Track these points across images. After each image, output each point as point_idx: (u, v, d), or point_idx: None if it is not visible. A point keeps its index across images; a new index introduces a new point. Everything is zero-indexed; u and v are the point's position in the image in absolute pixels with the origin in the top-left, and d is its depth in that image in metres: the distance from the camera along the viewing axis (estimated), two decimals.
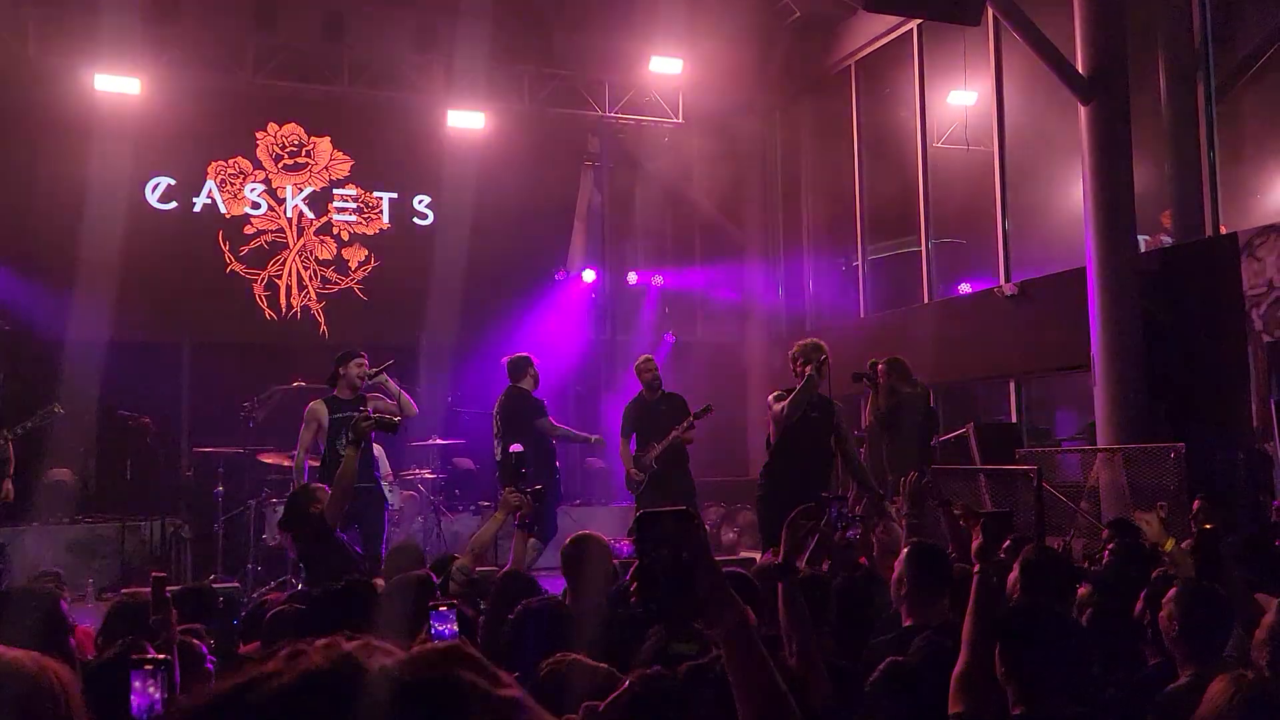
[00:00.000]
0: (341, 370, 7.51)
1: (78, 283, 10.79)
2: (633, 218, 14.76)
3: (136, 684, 2.30)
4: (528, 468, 7.04)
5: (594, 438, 9.46)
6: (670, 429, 8.74)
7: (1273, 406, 7.95)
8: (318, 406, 7.51)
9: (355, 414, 7.15)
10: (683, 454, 8.96)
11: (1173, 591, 3.45)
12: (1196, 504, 6.81)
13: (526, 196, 13.27)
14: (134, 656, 2.44)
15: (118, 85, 11.03)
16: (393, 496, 9.21)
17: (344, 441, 7.09)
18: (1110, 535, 6.17)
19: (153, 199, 11.99)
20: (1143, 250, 9.27)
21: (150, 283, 11.45)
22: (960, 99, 12.10)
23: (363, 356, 7.60)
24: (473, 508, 11.04)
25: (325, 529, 6.15)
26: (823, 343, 7.58)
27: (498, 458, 8.50)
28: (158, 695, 2.30)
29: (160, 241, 11.73)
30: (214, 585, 7.30)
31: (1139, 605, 4.12)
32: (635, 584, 1.69)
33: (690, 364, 13.68)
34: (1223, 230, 8.93)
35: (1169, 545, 5.25)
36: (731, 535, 12.13)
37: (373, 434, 7.29)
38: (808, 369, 7.35)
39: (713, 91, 13.35)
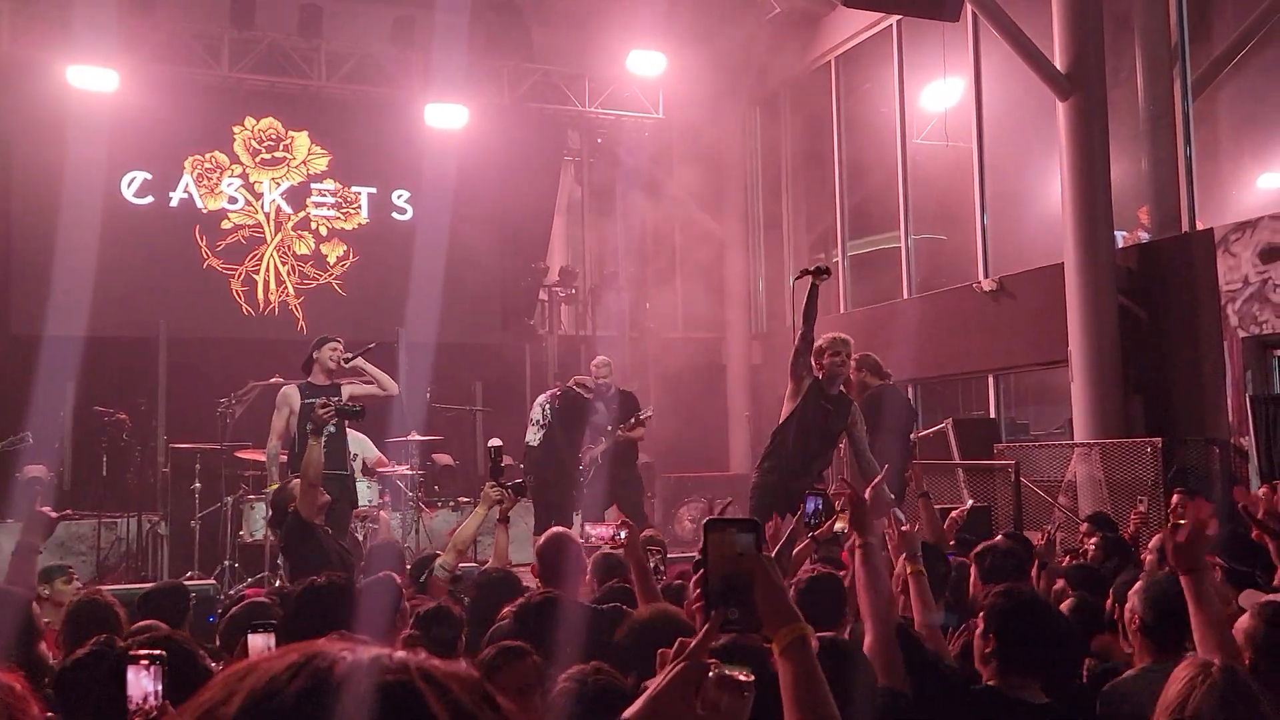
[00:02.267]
0: (315, 355, 7.53)
1: (53, 278, 10.69)
2: (612, 213, 14.74)
3: (131, 677, 2.31)
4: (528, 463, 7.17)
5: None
6: (617, 428, 9.14)
7: (1248, 401, 8.00)
8: (289, 391, 7.52)
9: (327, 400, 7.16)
10: (630, 451, 9.30)
11: (1137, 585, 3.47)
12: (1175, 498, 6.83)
13: (506, 191, 13.24)
14: (131, 652, 2.46)
15: (93, 79, 10.90)
16: (370, 493, 9.16)
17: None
18: (1090, 530, 6.22)
19: (129, 194, 11.89)
20: (1120, 246, 9.32)
21: (126, 278, 11.36)
22: (939, 95, 12.13)
23: (337, 341, 7.60)
24: (452, 503, 10.98)
25: (302, 524, 6.13)
26: (849, 339, 7.44)
27: (532, 444, 9.05)
28: (152, 688, 2.30)
29: (136, 236, 11.65)
30: (190, 582, 7.27)
31: (1109, 600, 4.15)
32: (698, 592, 1.68)
33: (669, 359, 13.69)
34: (1199, 226, 8.99)
35: None
36: None
37: (348, 423, 7.32)
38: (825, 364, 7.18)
39: (693, 86, 13.33)
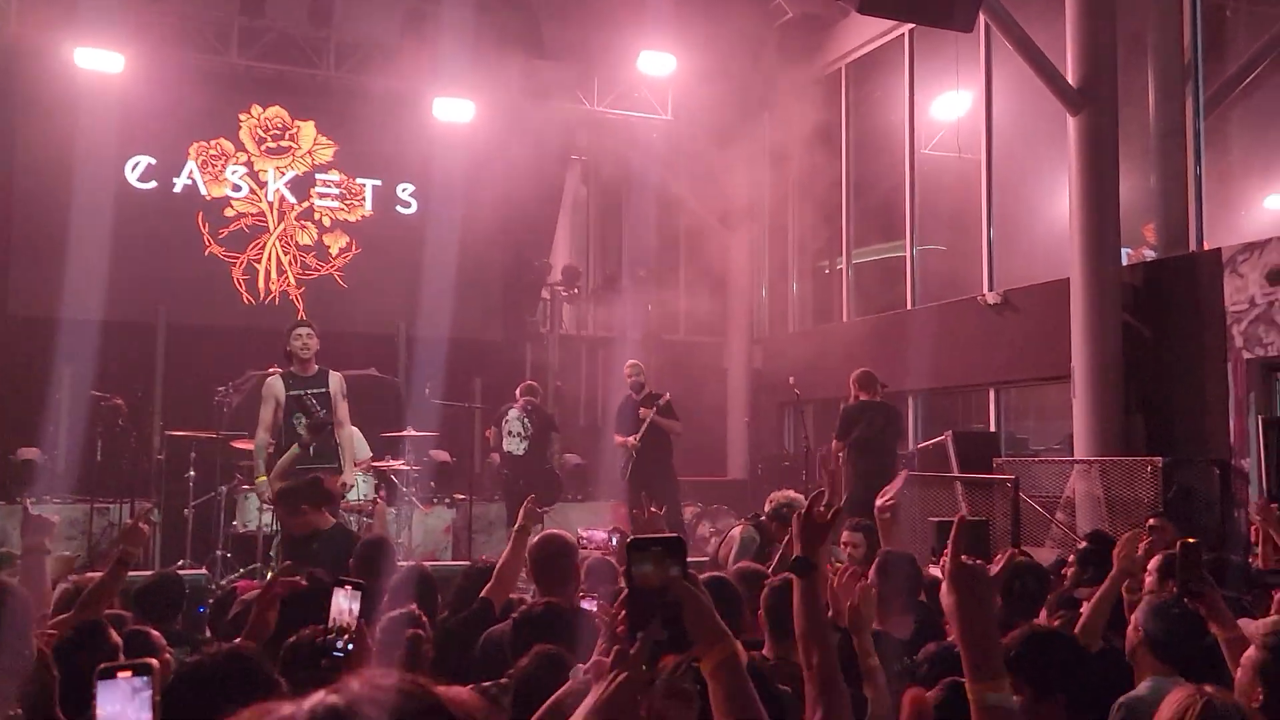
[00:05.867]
0: (288, 346, 7.41)
1: (54, 260, 10.67)
2: (618, 213, 14.69)
3: (101, 695, 1.79)
4: None
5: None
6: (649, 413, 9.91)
7: (1260, 425, 7.89)
8: (273, 382, 7.43)
9: (308, 393, 7.15)
10: (663, 444, 9.90)
11: (1140, 605, 3.47)
12: (1150, 522, 6.52)
13: (511, 187, 13.16)
14: (102, 665, 1.89)
15: (100, 61, 10.84)
16: (365, 486, 9.11)
17: (300, 419, 7.09)
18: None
19: (132, 178, 11.86)
20: (1125, 263, 9.27)
21: (127, 262, 11.30)
22: (950, 105, 12.09)
23: (305, 327, 7.48)
24: (448, 500, 10.94)
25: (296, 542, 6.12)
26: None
27: (519, 453, 10.18)
28: (142, 717, 1.81)
29: (138, 221, 11.59)
30: (182, 572, 7.21)
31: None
32: (624, 613, 1.64)
33: (671, 363, 13.64)
34: (1206, 246, 8.95)
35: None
36: (707, 534, 12.06)
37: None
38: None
39: (703, 89, 13.29)
